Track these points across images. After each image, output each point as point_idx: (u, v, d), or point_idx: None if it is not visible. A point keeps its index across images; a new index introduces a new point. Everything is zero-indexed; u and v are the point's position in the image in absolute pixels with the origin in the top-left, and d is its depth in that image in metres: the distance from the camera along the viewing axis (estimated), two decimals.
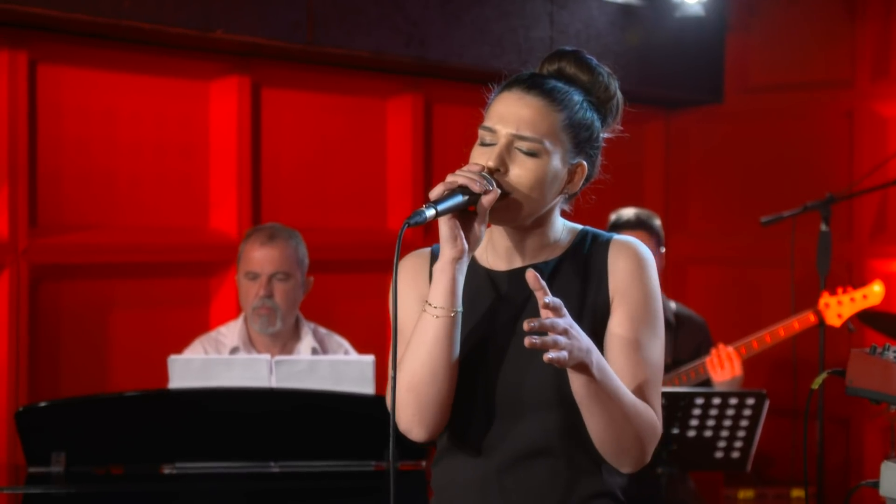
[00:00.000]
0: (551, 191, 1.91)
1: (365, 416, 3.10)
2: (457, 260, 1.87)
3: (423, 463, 3.13)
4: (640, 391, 1.90)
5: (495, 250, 1.98)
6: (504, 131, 1.90)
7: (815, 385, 2.29)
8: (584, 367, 1.80)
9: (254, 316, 3.55)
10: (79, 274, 3.92)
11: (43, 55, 3.80)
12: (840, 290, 4.00)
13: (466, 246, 1.87)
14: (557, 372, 1.87)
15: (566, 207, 2.01)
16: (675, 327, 4.06)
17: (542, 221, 1.95)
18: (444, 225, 1.86)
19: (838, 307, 3.97)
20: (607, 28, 4.88)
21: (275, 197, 4.35)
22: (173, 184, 4.13)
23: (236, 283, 3.65)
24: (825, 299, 3.98)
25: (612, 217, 4.07)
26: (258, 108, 4.30)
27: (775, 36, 5.33)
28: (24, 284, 3.75)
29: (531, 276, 1.78)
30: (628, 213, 4.04)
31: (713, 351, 3.90)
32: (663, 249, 4.06)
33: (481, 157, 1.90)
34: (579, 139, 1.92)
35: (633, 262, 1.92)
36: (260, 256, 3.54)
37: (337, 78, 4.48)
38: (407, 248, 1.98)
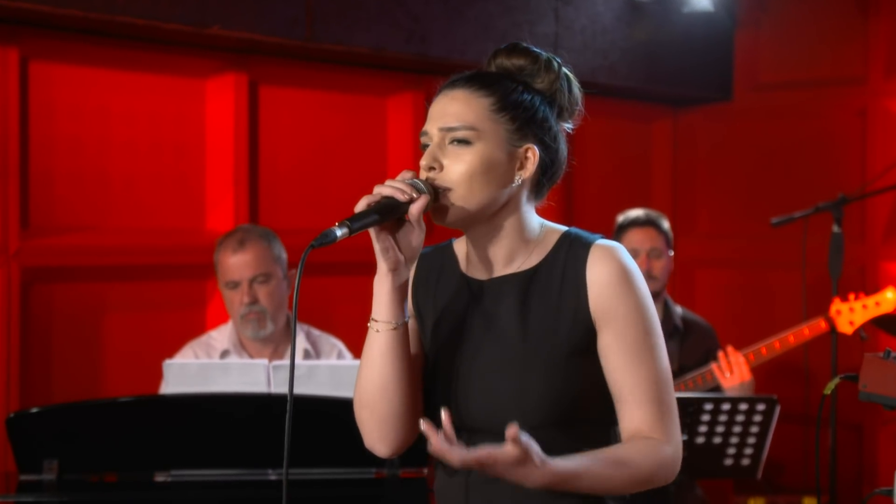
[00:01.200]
0: (493, 179, 1.88)
1: None
2: (393, 271, 1.87)
3: (425, 470, 3.13)
4: (651, 409, 1.88)
5: (472, 259, 1.98)
6: (434, 128, 1.90)
7: (828, 390, 2.28)
8: (546, 485, 1.79)
9: (243, 323, 3.56)
10: (72, 276, 3.92)
11: (34, 52, 3.80)
12: (852, 297, 3.99)
13: (402, 257, 1.87)
14: (544, 388, 1.86)
15: (538, 203, 1.97)
16: (683, 333, 4.05)
17: (506, 218, 1.92)
18: (374, 238, 1.86)
19: (850, 314, 3.96)
20: (613, 23, 4.88)
21: (272, 197, 4.35)
22: (168, 184, 4.13)
23: (220, 292, 3.65)
24: (837, 306, 3.97)
25: (620, 218, 4.07)
26: (255, 106, 4.30)
27: (786, 32, 5.32)
28: (15, 287, 3.75)
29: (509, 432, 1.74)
30: (636, 211, 4.05)
31: (720, 354, 3.89)
32: (672, 252, 4.06)
33: (422, 161, 1.91)
34: (520, 121, 1.90)
35: (614, 274, 1.88)
36: (235, 264, 3.54)
37: (336, 75, 4.48)
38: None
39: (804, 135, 5.28)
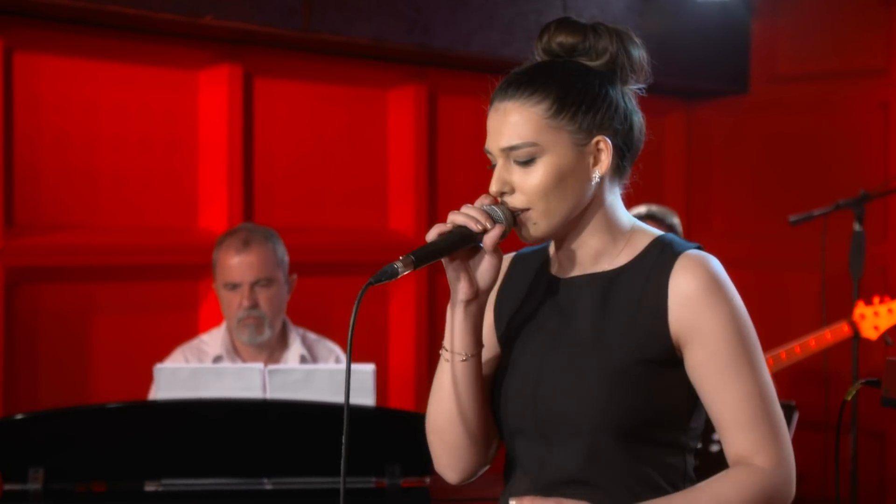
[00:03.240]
0: (571, 185, 1.84)
1: (364, 429, 3.09)
2: (466, 302, 1.85)
3: (427, 479, 3.13)
4: (754, 431, 1.81)
5: (559, 259, 1.95)
6: (495, 148, 1.86)
7: (849, 396, 2.28)
8: None
9: (240, 328, 3.55)
10: (58, 277, 3.93)
11: (20, 43, 3.80)
12: (876, 300, 3.98)
13: (477, 286, 1.85)
14: (605, 393, 1.82)
15: (622, 186, 1.93)
16: None
17: (592, 216, 1.89)
18: (447, 268, 1.85)
19: (875, 318, 3.96)
20: (624, 13, 4.88)
21: (268, 195, 4.35)
22: (159, 181, 4.14)
23: (215, 293, 3.65)
24: (860, 310, 3.97)
25: None
26: (250, 99, 4.30)
27: (804, 21, 5.32)
28: None
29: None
30: (639, 209, 4.04)
31: None
32: None
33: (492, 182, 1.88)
34: (582, 116, 1.84)
35: (700, 286, 1.83)
36: (238, 265, 3.54)
37: (335, 67, 4.48)
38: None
39: (823, 129, 5.27)
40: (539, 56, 1.93)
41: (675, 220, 4.05)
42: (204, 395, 3.19)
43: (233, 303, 3.55)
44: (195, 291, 4.23)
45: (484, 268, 1.85)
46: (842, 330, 3.96)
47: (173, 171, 4.18)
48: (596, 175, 1.86)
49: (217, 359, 3.59)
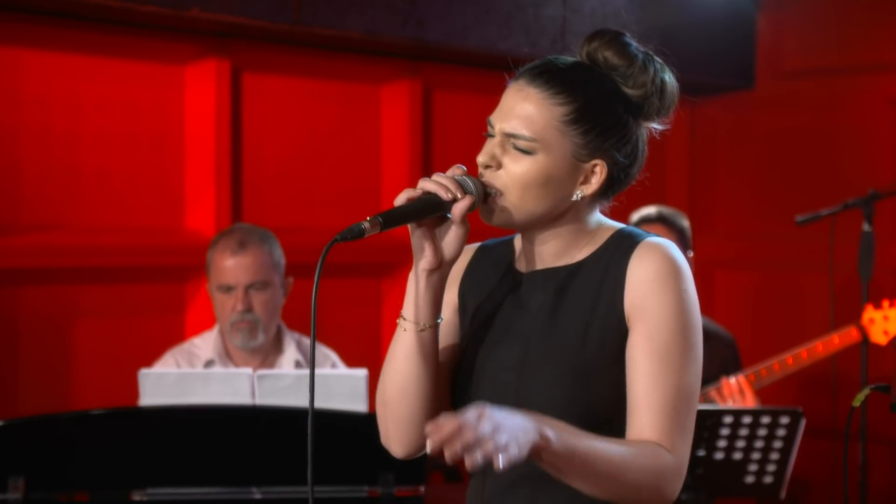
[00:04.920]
0: (551, 192, 1.89)
1: (357, 436, 3.10)
2: (428, 271, 1.89)
3: (422, 488, 3.13)
4: (664, 419, 1.84)
5: (524, 253, 2.00)
6: (498, 126, 1.90)
7: (857, 402, 2.29)
8: (540, 448, 1.71)
9: (233, 331, 3.56)
10: (39, 279, 3.93)
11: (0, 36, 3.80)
12: (886, 304, 3.99)
13: (441, 256, 1.88)
14: (568, 388, 1.86)
15: (602, 206, 1.98)
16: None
17: (562, 222, 1.93)
18: (413, 234, 1.88)
19: (885, 323, 3.96)
20: (626, 6, 4.89)
21: (257, 194, 4.36)
22: (145, 179, 4.14)
23: (209, 294, 3.65)
24: (870, 313, 3.97)
25: (634, 217, 4.07)
26: (238, 95, 4.30)
27: (812, 15, 5.33)
28: None
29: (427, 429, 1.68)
30: (650, 209, 4.05)
31: (723, 381, 3.89)
32: (692, 253, 4.06)
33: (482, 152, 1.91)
34: (593, 135, 1.89)
35: (654, 270, 1.87)
36: (232, 267, 3.54)
37: (326, 62, 4.49)
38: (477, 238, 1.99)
39: (831, 125, 5.28)
40: (579, 55, 1.96)
41: (685, 223, 4.07)
42: (191, 401, 3.19)
43: (226, 306, 3.56)
44: (181, 294, 4.23)
45: (450, 238, 1.89)
46: (850, 335, 3.97)
47: (159, 170, 4.18)
48: (578, 194, 1.91)
49: (209, 363, 3.60)
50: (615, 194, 1.98)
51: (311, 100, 4.50)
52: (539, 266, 1.96)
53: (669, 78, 1.97)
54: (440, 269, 1.90)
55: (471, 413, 1.65)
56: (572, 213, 1.93)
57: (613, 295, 1.89)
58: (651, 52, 1.97)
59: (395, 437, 1.98)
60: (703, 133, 5.61)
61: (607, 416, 1.87)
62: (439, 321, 1.93)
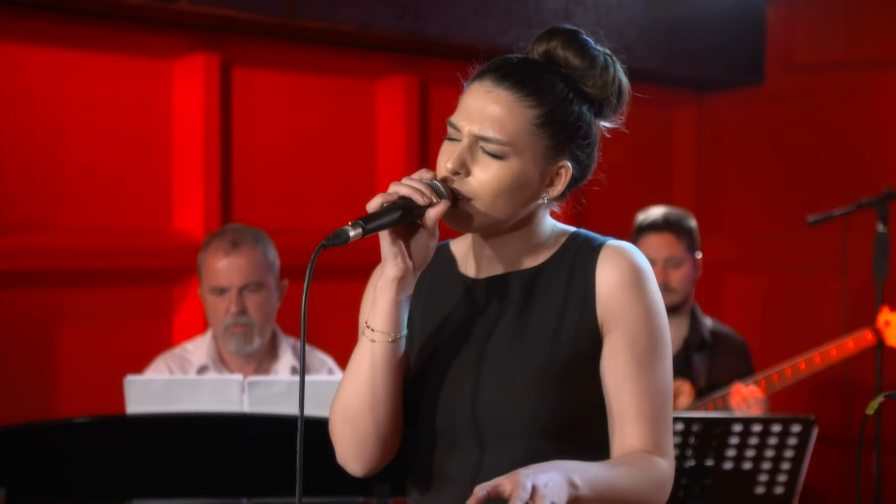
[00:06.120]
0: (520, 196, 1.91)
1: None
2: (399, 279, 1.90)
3: None
4: (652, 426, 1.92)
5: (474, 256, 2.01)
6: (467, 129, 1.91)
7: (871, 410, 2.28)
8: (574, 499, 1.80)
9: (227, 336, 3.55)
10: (21, 282, 3.92)
11: None
12: None
13: (411, 264, 1.90)
14: (536, 395, 1.89)
15: (554, 209, 2.02)
16: (712, 347, 4.05)
17: (522, 226, 1.96)
18: (384, 241, 1.89)
19: None
20: None
21: (248, 193, 4.35)
22: (131, 178, 4.13)
23: (200, 298, 3.65)
24: (885, 316, 3.97)
25: (639, 217, 4.07)
26: (228, 90, 4.30)
27: (824, 6, 5.33)
28: None
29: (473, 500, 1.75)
30: (655, 213, 4.04)
31: (733, 389, 3.89)
32: (699, 255, 4.06)
33: (444, 156, 1.92)
34: (561, 137, 1.92)
35: (625, 276, 1.92)
36: (225, 268, 3.54)
37: (319, 56, 4.48)
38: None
39: (844, 122, 5.28)
40: (535, 53, 1.98)
41: (693, 223, 4.07)
42: (179, 408, 3.19)
43: (219, 309, 3.55)
44: (169, 297, 4.23)
45: (420, 244, 1.91)
46: (865, 338, 3.97)
47: (146, 168, 4.17)
48: (545, 197, 1.95)
49: (202, 369, 3.59)
50: (569, 194, 2.00)
51: (303, 96, 4.49)
52: (495, 271, 1.99)
53: (625, 77, 2.01)
54: (410, 277, 1.91)
55: (514, 477, 1.73)
56: (532, 216, 1.96)
57: (583, 301, 1.93)
58: (608, 51, 2.00)
59: (356, 454, 1.98)
60: (710, 129, 5.61)
61: (570, 420, 1.91)
62: (405, 332, 1.93)
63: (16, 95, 3.89)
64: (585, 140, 1.96)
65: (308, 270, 1.81)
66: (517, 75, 1.92)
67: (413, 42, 4.44)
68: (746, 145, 5.56)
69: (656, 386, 1.92)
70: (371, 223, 1.83)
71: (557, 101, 1.92)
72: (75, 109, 4.01)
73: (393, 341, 1.92)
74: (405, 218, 1.86)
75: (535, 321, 1.93)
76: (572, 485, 1.78)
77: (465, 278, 2.01)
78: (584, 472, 1.81)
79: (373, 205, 1.86)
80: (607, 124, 2.01)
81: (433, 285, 2.04)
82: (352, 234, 1.81)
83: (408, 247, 1.90)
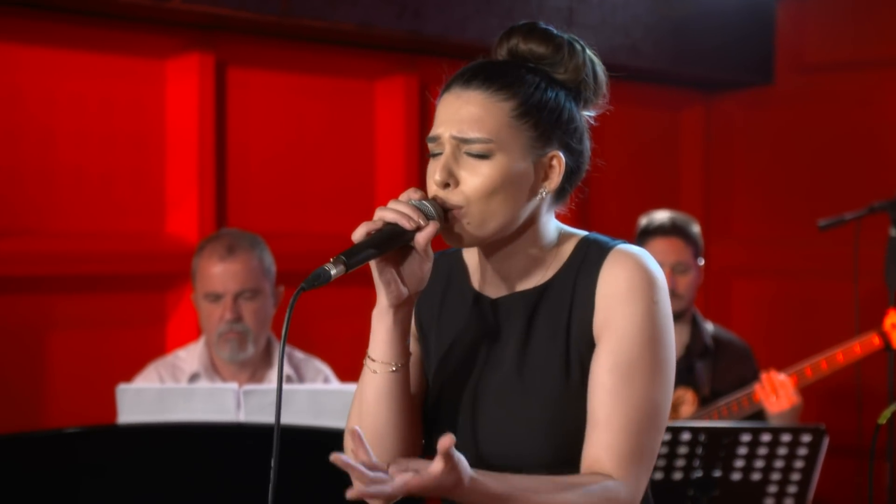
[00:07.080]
0: (516, 194, 1.88)
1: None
2: (395, 307, 1.88)
3: None
4: (623, 441, 1.82)
5: (484, 273, 1.98)
6: (446, 135, 1.89)
7: (883, 419, 2.28)
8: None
9: (221, 343, 3.55)
10: (10, 288, 3.92)
11: None
12: None
13: (405, 290, 1.87)
14: (551, 417, 1.86)
15: (558, 209, 1.98)
16: (714, 354, 4.06)
17: (524, 230, 1.92)
18: (374, 270, 1.86)
19: None
20: None
21: (243, 197, 4.35)
22: (123, 181, 4.14)
23: (194, 304, 3.65)
24: (892, 318, 3.97)
25: (643, 221, 4.07)
26: (223, 91, 4.30)
27: (834, 5, 5.33)
28: None
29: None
30: (661, 216, 4.04)
31: (763, 377, 3.89)
32: (702, 261, 4.07)
33: (431, 173, 1.90)
34: (544, 125, 1.89)
35: (627, 281, 1.86)
36: (220, 274, 3.53)
37: (317, 56, 4.49)
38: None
39: (856, 123, 5.28)
40: (498, 55, 1.98)
41: (698, 230, 4.07)
42: (172, 418, 3.19)
43: (213, 315, 3.55)
44: (162, 303, 4.23)
45: (414, 269, 1.88)
46: (871, 342, 3.96)
47: (138, 171, 4.18)
48: (543, 191, 1.91)
49: (194, 377, 3.59)
50: (572, 190, 1.97)
51: (300, 96, 4.49)
52: (506, 290, 1.95)
53: (596, 58, 1.98)
54: (407, 303, 1.89)
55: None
56: (534, 219, 1.92)
57: (584, 313, 1.89)
58: (574, 36, 1.97)
59: None
60: (718, 131, 5.61)
61: (576, 453, 1.86)
62: (405, 361, 1.91)
63: (5, 96, 3.90)
64: (571, 125, 1.92)
65: (287, 315, 1.77)
66: (484, 74, 1.91)
67: (413, 41, 4.44)
68: (755, 147, 5.56)
69: (638, 401, 1.83)
70: (353, 258, 1.80)
71: (531, 90, 1.89)
72: (66, 110, 4.01)
73: (394, 371, 1.90)
74: (393, 244, 1.84)
75: (538, 343, 1.90)
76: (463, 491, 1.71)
77: (475, 294, 1.98)
78: (504, 477, 1.75)
79: (358, 234, 1.83)
80: (592, 112, 1.98)
81: (447, 298, 2.01)
82: (333, 272, 1.78)
83: (400, 272, 1.87)
